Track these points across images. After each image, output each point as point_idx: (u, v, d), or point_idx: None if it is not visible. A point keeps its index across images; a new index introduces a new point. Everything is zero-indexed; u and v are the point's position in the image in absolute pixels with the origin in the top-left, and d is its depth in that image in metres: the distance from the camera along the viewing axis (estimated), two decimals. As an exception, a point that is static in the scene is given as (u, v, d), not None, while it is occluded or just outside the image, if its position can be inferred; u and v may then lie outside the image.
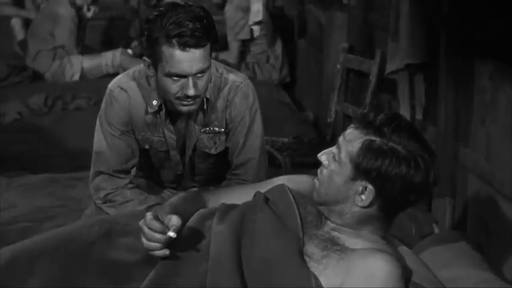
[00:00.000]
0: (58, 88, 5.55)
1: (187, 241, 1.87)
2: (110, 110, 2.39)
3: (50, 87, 5.62)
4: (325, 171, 1.85)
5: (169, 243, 1.78)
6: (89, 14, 6.14)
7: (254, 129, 2.44)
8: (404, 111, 3.64)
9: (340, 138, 1.84)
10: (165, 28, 2.15)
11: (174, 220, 1.78)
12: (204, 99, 2.34)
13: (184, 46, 2.15)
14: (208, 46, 2.20)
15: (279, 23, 6.39)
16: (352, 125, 1.83)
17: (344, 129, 1.87)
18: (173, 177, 2.55)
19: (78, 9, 6.08)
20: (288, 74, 6.18)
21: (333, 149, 1.86)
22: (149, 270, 1.83)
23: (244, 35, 6.02)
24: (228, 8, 6.18)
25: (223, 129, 2.42)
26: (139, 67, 2.42)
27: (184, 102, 2.25)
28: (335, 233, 1.84)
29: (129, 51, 6.32)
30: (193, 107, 2.27)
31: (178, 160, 2.47)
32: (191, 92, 2.20)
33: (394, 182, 1.75)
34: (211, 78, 2.33)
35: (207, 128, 2.41)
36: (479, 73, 2.96)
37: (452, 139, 3.18)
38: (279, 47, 6.13)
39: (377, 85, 4.26)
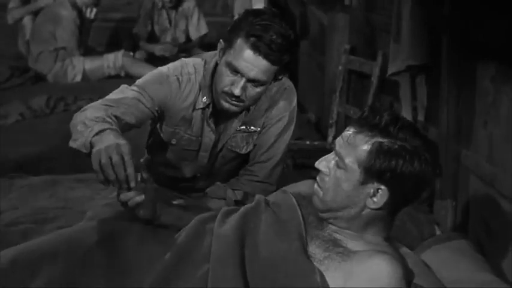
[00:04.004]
0: (60, 89, 5.56)
1: (188, 243, 1.87)
2: (156, 87, 2.32)
3: (51, 88, 5.63)
4: (327, 179, 1.84)
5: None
6: (91, 16, 6.14)
7: (286, 133, 2.44)
8: (406, 113, 3.64)
9: (339, 145, 1.82)
10: (252, 25, 2.16)
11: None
12: None
13: (255, 49, 2.15)
14: (276, 67, 2.19)
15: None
16: (351, 130, 1.82)
17: (346, 131, 1.87)
18: (188, 175, 2.52)
19: (80, 11, 6.09)
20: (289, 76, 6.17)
21: (331, 155, 1.85)
22: (151, 271, 1.83)
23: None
24: (236, 5, 6.22)
25: (259, 129, 2.41)
26: (192, 61, 2.39)
27: (228, 99, 2.24)
28: (337, 235, 1.84)
29: (131, 53, 6.33)
30: (233, 108, 2.26)
31: (205, 162, 2.46)
32: (237, 91, 2.19)
33: (408, 180, 1.76)
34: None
35: (243, 127, 2.40)
36: (481, 75, 2.96)
37: (454, 141, 3.18)
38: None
39: (379, 86, 4.27)
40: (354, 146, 1.79)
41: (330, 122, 4.84)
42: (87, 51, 6.21)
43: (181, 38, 6.66)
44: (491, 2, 2.82)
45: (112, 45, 6.78)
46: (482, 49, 2.94)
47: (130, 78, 5.72)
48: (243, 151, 2.43)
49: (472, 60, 3.02)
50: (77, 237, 1.97)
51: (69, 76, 6.03)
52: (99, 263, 1.89)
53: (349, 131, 1.82)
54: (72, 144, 2.06)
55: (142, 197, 1.94)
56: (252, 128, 2.40)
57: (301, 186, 2.07)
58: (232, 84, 2.20)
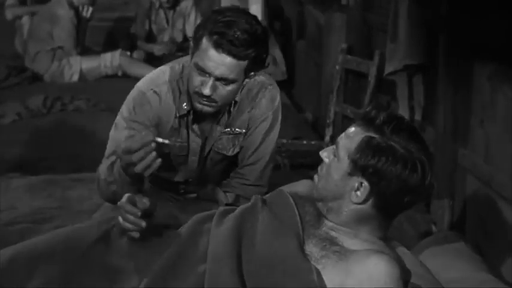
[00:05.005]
0: (57, 89, 5.56)
1: (185, 243, 1.87)
2: (140, 111, 2.32)
3: (48, 88, 5.63)
4: (324, 167, 1.87)
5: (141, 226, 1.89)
6: (87, 14, 6.14)
7: (272, 133, 2.42)
8: (403, 112, 3.65)
9: (341, 136, 1.85)
10: (215, 23, 2.15)
11: (146, 203, 1.88)
12: (232, 101, 2.32)
13: (218, 47, 2.13)
14: (244, 62, 2.16)
15: (278, 24, 6.38)
16: (354, 124, 1.85)
17: (343, 130, 1.88)
18: (181, 180, 2.52)
19: (77, 10, 6.09)
20: (286, 75, 6.18)
21: (333, 146, 1.88)
22: (147, 271, 1.83)
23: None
24: (223, 3, 6.21)
25: (244, 130, 2.40)
26: (169, 68, 2.38)
27: (200, 100, 2.22)
28: (333, 233, 1.84)
29: (128, 52, 6.32)
30: (206, 109, 2.24)
31: (195, 167, 2.45)
32: (206, 91, 2.18)
33: (389, 180, 1.76)
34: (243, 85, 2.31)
35: (228, 129, 2.39)
36: (478, 74, 2.97)
37: (451, 140, 3.18)
38: (277, 48, 6.13)
39: (376, 86, 4.27)
40: (350, 137, 1.82)
41: (327, 121, 4.85)
42: (84, 50, 6.21)
43: (179, 38, 6.66)
44: (488, 1, 2.82)
45: (109, 45, 6.78)
46: (479, 48, 2.95)
47: (127, 78, 5.73)
48: (230, 153, 2.43)
49: (469, 60, 3.02)
50: (74, 236, 1.97)
51: (66, 76, 6.02)
52: (96, 262, 1.89)
53: (352, 125, 1.84)
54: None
55: (138, 234, 1.93)
56: (236, 130, 2.39)
57: (299, 186, 2.07)
58: (202, 84, 2.19)
